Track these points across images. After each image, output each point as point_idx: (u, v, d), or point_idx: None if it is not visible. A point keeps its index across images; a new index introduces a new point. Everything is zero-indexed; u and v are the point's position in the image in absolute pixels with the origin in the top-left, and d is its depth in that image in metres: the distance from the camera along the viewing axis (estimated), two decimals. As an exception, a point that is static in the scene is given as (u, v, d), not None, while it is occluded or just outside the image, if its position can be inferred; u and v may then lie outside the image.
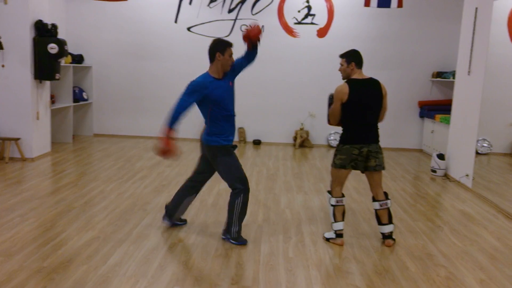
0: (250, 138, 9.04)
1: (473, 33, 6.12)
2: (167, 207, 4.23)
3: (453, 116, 6.80)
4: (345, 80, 3.92)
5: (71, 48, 8.56)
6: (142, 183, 5.73)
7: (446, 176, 6.69)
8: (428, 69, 8.64)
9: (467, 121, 6.23)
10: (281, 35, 8.66)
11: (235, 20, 8.70)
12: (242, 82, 8.79)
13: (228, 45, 3.84)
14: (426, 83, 8.68)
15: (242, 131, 8.95)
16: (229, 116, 3.95)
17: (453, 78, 7.44)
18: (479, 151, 6.45)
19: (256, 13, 8.67)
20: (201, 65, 8.75)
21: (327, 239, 4.04)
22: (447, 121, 7.30)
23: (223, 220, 4.49)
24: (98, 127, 9.19)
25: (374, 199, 4.05)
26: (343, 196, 4.02)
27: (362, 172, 3.99)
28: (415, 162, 7.79)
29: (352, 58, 3.91)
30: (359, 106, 3.83)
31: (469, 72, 6.21)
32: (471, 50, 6.15)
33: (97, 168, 6.46)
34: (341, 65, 3.95)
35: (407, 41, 8.58)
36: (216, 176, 6.17)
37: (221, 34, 8.69)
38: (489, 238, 4.29)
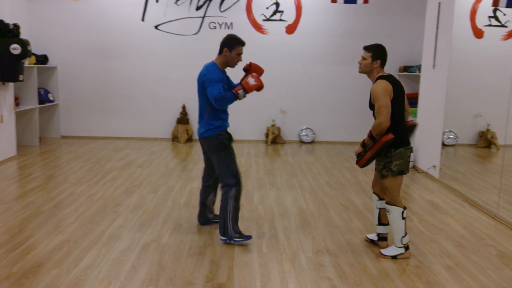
0: (221, 136, 9.01)
1: (437, 28, 6.28)
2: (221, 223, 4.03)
3: (420, 109, 6.96)
4: (378, 77, 3.58)
5: (35, 48, 8.35)
6: (112, 185, 5.65)
7: (414, 167, 6.85)
8: (395, 64, 8.80)
9: (433, 113, 6.39)
10: (250, 32, 8.67)
11: (203, 17, 8.66)
12: (212, 80, 8.77)
13: (239, 43, 3.83)
14: (393, 77, 8.83)
15: (213, 129, 8.92)
16: (226, 109, 3.98)
17: (419, 72, 7.61)
18: (445, 143, 6.62)
19: (224, 10, 8.65)
20: (170, 63, 8.75)
21: (393, 257, 3.64)
22: (414, 114, 7.46)
23: (195, 219, 4.48)
24: (65, 129, 9.01)
25: (379, 197, 3.83)
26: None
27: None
28: (384, 155, 7.92)
29: (380, 55, 3.60)
30: (399, 105, 3.57)
31: (434, 65, 6.37)
32: (435, 44, 6.31)
33: (66, 170, 6.33)
34: (364, 58, 3.62)
35: (374, 36, 8.68)
36: (187, 175, 6.17)
37: (190, 32, 8.65)
38: (456, 227, 4.42)
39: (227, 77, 4.00)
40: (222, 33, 8.54)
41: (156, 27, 8.69)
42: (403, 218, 3.58)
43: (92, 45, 8.73)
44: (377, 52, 3.60)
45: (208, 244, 3.88)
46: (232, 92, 3.69)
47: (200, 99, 3.92)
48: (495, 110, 5.93)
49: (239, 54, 3.83)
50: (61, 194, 5.21)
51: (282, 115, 8.83)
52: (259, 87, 3.73)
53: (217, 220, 4.18)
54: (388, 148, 3.53)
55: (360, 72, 3.71)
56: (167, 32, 8.68)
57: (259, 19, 8.69)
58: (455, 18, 5.94)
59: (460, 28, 6.14)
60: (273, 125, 8.79)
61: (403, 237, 3.61)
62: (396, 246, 3.65)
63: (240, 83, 3.75)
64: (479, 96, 6.27)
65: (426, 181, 6.17)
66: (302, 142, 8.89)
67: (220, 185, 3.96)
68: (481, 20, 6.17)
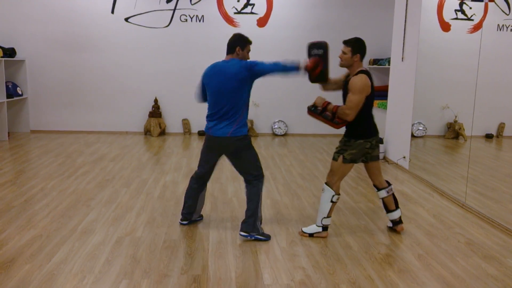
0: (195, 129, 8.99)
1: (405, 21, 6.40)
2: (183, 210, 4.15)
3: (389, 101, 7.10)
4: (359, 71, 3.68)
5: (2, 41, 8.13)
6: (84, 179, 5.58)
7: (384, 159, 6.99)
8: (365, 57, 8.92)
9: (402, 105, 6.53)
10: (221, 25, 8.65)
11: (174, 10, 8.58)
12: (184, 73, 8.73)
13: (248, 42, 3.90)
14: (364, 70, 8.97)
15: (186, 122, 8.88)
16: None
17: (389, 64, 7.75)
18: (415, 134, 6.77)
19: (195, 3, 8.60)
20: (141, 56, 8.65)
21: (310, 235, 3.91)
22: (384, 107, 7.60)
23: (170, 211, 4.48)
24: (35, 123, 8.81)
25: (378, 188, 3.98)
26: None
27: (368, 161, 3.87)
28: (356, 147, 8.05)
29: (359, 49, 3.70)
30: (372, 99, 3.74)
31: (402, 58, 6.50)
32: (404, 37, 6.43)
33: (36, 165, 6.21)
34: (344, 53, 3.71)
35: (344, 29, 8.81)
36: (160, 169, 6.14)
37: (160, 24, 8.56)
38: (426, 216, 4.55)
39: None
40: (193, 26, 8.60)
41: (126, 19, 8.57)
42: (332, 201, 3.80)
43: (61, 37, 8.55)
44: (356, 47, 3.69)
45: (183, 236, 3.89)
46: (297, 66, 3.76)
47: (234, 96, 3.71)
48: (462, 102, 6.10)
49: (249, 52, 3.93)
50: (32, 189, 5.11)
51: (255, 108, 8.86)
52: (321, 67, 3.81)
53: (198, 219, 4.24)
54: (349, 138, 3.78)
55: (341, 66, 3.80)
56: (138, 25, 8.57)
57: (230, 12, 8.67)
58: (423, 11, 6.07)
59: (428, 21, 6.27)
60: (246, 118, 8.80)
61: (325, 218, 3.85)
62: (316, 225, 3.91)
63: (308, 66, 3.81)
64: (447, 88, 6.42)
65: (397, 172, 6.31)
66: (275, 134, 8.94)
67: (246, 179, 3.89)
68: (448, 13, 6.31)
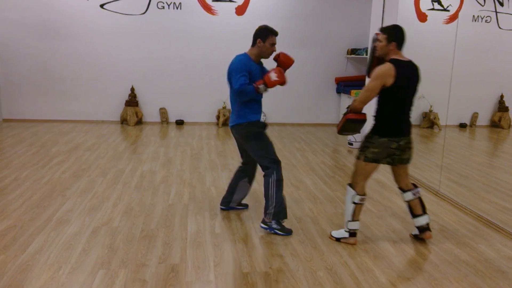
0: (172, 118, 8.92)
1: (383, 11, 6.44)
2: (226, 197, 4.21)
3: (367, 91, 7.16)
4: (389, 59, 3.36)
5: (-29, 26, 7.88)
6: (59, 168, 5.48)
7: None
8: (343, 47, 8.98)
9: (379, 95, 6.59)
10: (199, 13, 8.56)
11: (151, -3, 8.45)
12: (162, 61, 8.63)
13: (272, 33, 3.72)
14: (341, 60, 9.03)
15: (164, 111, 8.80)
16: (258, 100, 3.86)
17: (366, 54, 7.81)
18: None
19: (174, -10, 8.48)
20: (117, 44, 8.50)
21: (337, 239, 3.66)
22: (361, 96, 7.66)
23: (147, 201, 4.45)
24: (7, 112, 8.60)
25: (404, 190, 3.67)
26: (365, 194, 3.61)
27: (396, 164, 3.55)
28: (333, 136, 8.13)
29: (394, 37, 3.35)
30: (403, 93, 3.36)
31: (380, 48, 6.54)
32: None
33: (9, 155, 6.07)
34: (380, 41, 3.40)
35: (323, 19, 8.83)
36: (137, 158, 6.08)
37: (137, 11, 8.43)
38: (401, 204, 4.62)
39: (263, 69, 3.88)
40: (170, 13, 8.48)
41: (101, 6, 8.40)
42: (354, 202, 3.51)
43: (34, 24, 8.33)
44: (391, 34, 3.36)
45: (161, 226, 3.87)
46: (253, 86, 3.60)
47: (230, 90, 3.81)
48: (437, 92, 6.20)
49: (273, 44, 3.73)
50: (5, 179, 5.00)
51: (233, 97, 8.81)
52: (281, 83, 3.60)
53: (238, 207, 4.29)
54: (372, 134, 3.45)
55: (377, 55, 3.47)
56: (113, 12, 8.41)
57: (208, -1, 8.59)
58: (400, 1, 6.12)
59: (405, 11, 6.34)
60: (224, 107, 8.78)
61: (350, 221, 3.56)
62: (344, 230, 3.64)
63: (262, 78, 3.64)
64: (423, 78, 6.58)
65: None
66: (253, 124, 8.93)
67: (261, 169, 3.88)
68: (425, 4, 6.39)
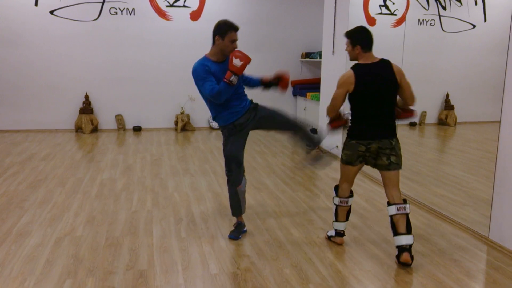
0: (129, 125, 8.82)
1: (335, 16, 6.67)
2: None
3: (322, 93, 7.37)
4: (352, 66, 3.36)
5: None
6: (15, 180, 5.34)
7: (319, 148, 7.25)
8: (298, 50, 9.20)
9: (334, 97, 6.80)
10: (153, 18, 8.53)
11: (103, 2, 8.34)
12: (116, 67, 8.52)
13: (230, 28, 3.49)
14: (296, 63, 9.24)
15: (120, 118, 8.69)
16: (236, 98, 3.72)
17: (320, 58, 8.03)
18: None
19: (126, -4, 8.41)
20: (68, 51, 8.32)
21: (329, 238, 3.77)
22: (317, 98, 7.88)
23: (110, 209, 4.42)
24: (-47, 123, 8.24)
25: (389, 203, 3.42)
26: (350, 195, 3.61)
27: (373, 167, 3.50)
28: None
29: (357, 40, 3.29)
30: (366, 97, 3.28)
31: (333, 52, 6.77)
32: (334, 31, 6.70)
33: (-41, 168, 5.84)
34: (346, 45, 3.37)
35: (277, 24, 9.01)
36: (96, 167, 6.00)
37: (89, 17, 8.30)
38: (359, 200, 4.81)
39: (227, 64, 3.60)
40: (124, 19, 8.41)
41: (51, 12, 8.21)
42: (334, 204, 3.63)
43: (-20, 31, 8.03)
44: (354, 38, 3.31)
45: (125, 233, 3.86)
46: (223, 82, 3.42)
47: (202, 97, 3.72)
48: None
49: (233, 40, 3.51)
50: (-43, 193, 4.83)
51: (191, 102, 8.84)
52: (246, 62, 3.43)
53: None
54: (346, 136, 3.49)
55: (350, 59, 3.44)
56: (64, 18, 8.25)
57: (162, 5, 8.57)
58: (351, 6, 6.35)
59: (355, 16, 6.57)
60: (182, 113, 8.78)
61: (334, 221, 3.67)
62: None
63: (228, 69, 3.44)
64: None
65: (331, 160, 6.58)
66: (211, 128, 8.98)
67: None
68: (374, 8, 6.65)
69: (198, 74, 3.52)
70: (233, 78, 3.41)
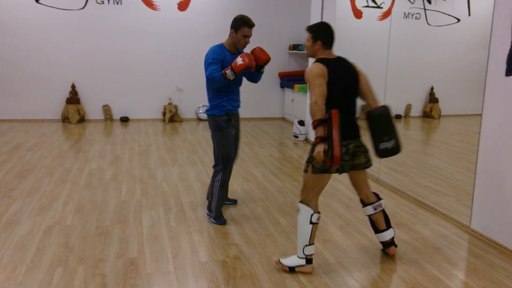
0: (116, 115, 8.80)
1: (322, 8, 6.72)
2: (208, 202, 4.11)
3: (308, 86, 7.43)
4: (316, 59, 3.08)
5: None
6: (2, 169, 5.32)
7: (306, 140, 7.35)
8: (285, 42, 9.24)
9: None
10: (141, 8, 8.49)
11: (91, -8, 8.27)
12: (103, 57, 8.48)
13: (244, 24, 3.68)
14: (284, 55, 9.29)
15: (107, 108, 8.67)
16: (229, 90, 3.84)
17: (307, 50, 8.08)
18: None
19: (114, -15, 8.35)
20: (54, 40, 8.26)
21: (291, 268, 3.10)
22: (304, 90, 7.95)
23: (99, 199, 4.46)
24: None
25: (364, 204, 3.32)
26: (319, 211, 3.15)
27: (349, 171, 3.18)
28: (279, 129, 8.38)
29: (319, 35, 3.07)
30: (338, 93, 2.99)
31: (321, 44, 6.82)
32: (322, 24, 6.76)
33: None
34: (307, 40, 3.14)
35: (265, 15, 9.02)
36: (84, 157, 6.01)
37: (75, 6, 8.23)
38: (345, 191, 4.91)
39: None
40: (110, 8, 8.37)
41: (37, 1, 8.12)
42: (311, 223, 3.04)
43: (-36, 19, 7.92)
44: (316, 33, 3.09)
45: (115, 222, 3.90)
46: (221, 72, 3.59)
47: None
48: (374, 85, 6.56)
49: (246, 36, 3.70)
50: None
51: (179, 93, 8.85)
52: (248, 65, 3.54)
53: (229, 203, 4.35)
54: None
55: (307, 56, 3.28)
56: (50, 7, 8.17)
57: (150, -5, 8.54)
58: (337, -2, 6.41)
59: (342, 8, 6.64)
60: (170, 104, 8.78)
61: (306, 246, 3.06)
62: (298, 256, 3.10)
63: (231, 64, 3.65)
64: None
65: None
66: (199, 119, 9.01)
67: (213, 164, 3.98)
68: (360, 1, 6.71)
69: (209, 56, 3.70)
70: (229, 72, 3.57)
